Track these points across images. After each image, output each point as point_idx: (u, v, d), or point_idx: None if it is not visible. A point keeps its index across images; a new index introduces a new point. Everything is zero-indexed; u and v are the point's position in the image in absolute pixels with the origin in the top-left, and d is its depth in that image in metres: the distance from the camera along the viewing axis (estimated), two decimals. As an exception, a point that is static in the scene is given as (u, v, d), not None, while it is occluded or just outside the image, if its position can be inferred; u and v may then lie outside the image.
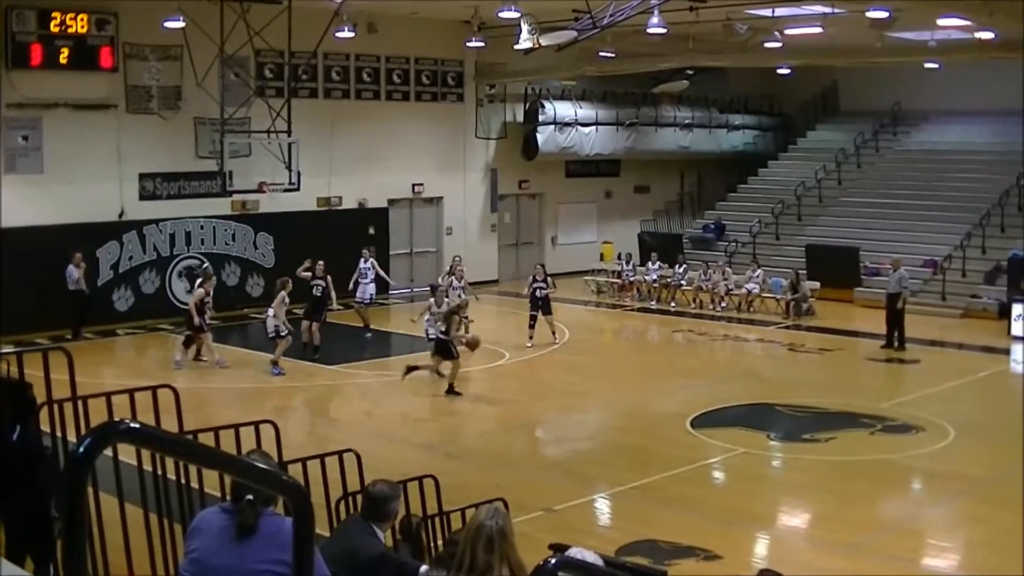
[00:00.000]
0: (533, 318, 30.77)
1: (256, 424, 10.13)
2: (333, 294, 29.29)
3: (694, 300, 37.98)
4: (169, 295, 33.82)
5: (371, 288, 32.52)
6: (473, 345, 26.28)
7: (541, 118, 42.75)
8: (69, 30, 30.59)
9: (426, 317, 26.90)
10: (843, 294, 37.58)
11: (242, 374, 27.36)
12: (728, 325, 35.35)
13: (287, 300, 27.29)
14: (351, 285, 32.02)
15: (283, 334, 27.09)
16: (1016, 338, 32.28)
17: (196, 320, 27.30)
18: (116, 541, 9.00)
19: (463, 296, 30.32)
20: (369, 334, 32.12)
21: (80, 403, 9.10)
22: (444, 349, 25.37)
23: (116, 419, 3.57)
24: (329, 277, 29.12)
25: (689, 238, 44.93)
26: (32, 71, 30.15)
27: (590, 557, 7.05)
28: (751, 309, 36.97)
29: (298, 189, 33.65)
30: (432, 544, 11.54)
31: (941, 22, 30.92)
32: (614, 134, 45.20)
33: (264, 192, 33.39)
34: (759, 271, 37.70)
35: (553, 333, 30.84)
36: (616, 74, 41.54)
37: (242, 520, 5.99)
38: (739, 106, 50.74)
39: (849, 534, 16.42)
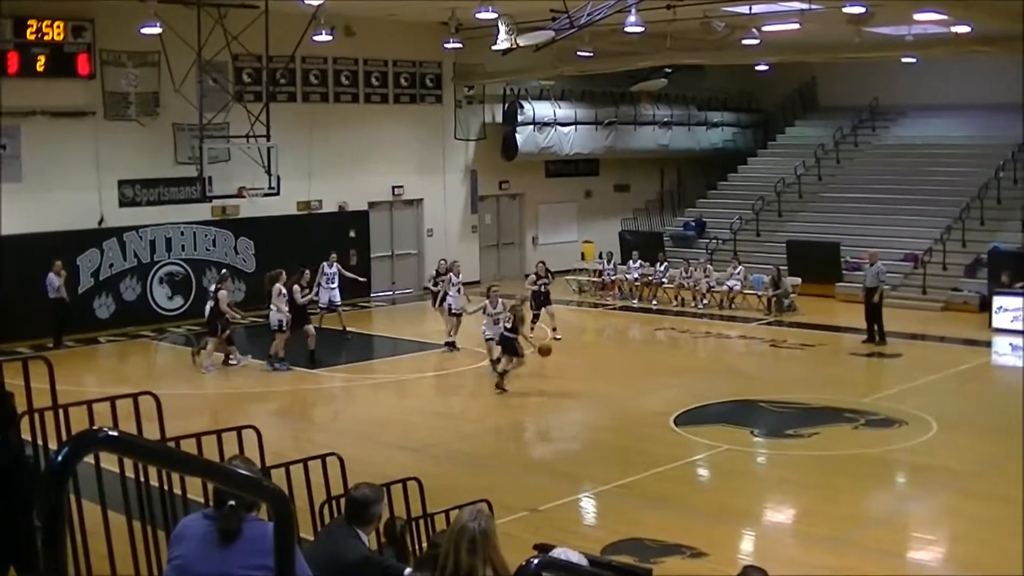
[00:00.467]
0: (536, 316, 30.99)
1: (238, 429, 10.11)
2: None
3: (676, 298, 38.05)
4: (150, 302, 33.76)
5: (336, 294, 32.32)
6: (545, 352, 26.06)
7: (520, 118, 42.74)
8: (45, 37, 30.52)
9: (484, 321, 26.93)
10: (824, 289, 37.66)
11: (227, 379, 27.32)
12: (710, 322, 35.38)
13: (284, 291, 27.42)
14: (315, 290, 31.48)
15: (284, 328, 27.28)
16: (997, 330, 32.40)
17: (227, 317, 27.68)
18: (100, 549, 8.98)
19: (462, 294, 30.55)
20: (349, 337, 32.02)
21: (61, 412, 9.08)
22: (510, 346, 25.50)
23: (95, 427, 3.56)
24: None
25: (670, 236, 44.92)
26: (9, 79, 30.00)
27: (574, 557, 7.05)
28: (733, 306, 37.03)
29: (278, 193, 33.61)
30: (416, 546, 11.53)
31: (918, 17, 30.97)
32: (593, 133, 45.22)
33: (244, 197, 33.31)
34: (740, 268, 37.78)
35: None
36: (594, 73, 41.54)
37: (224, 526, 5.98)
38: (718, 103, 50.82)
39: (833, 529, 16.45)
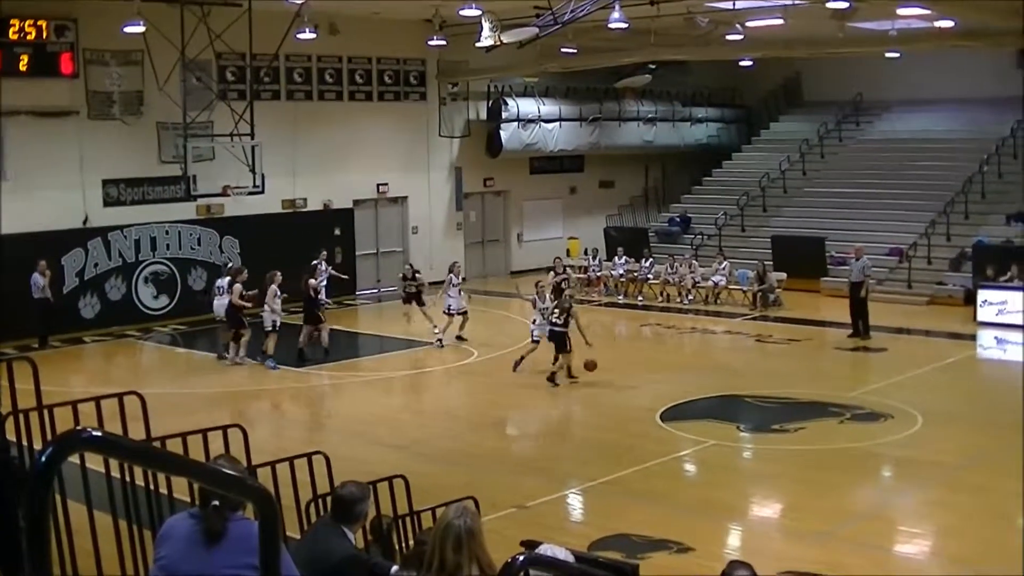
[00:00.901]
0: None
1: (224, 429, 10.10)
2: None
3: (661, 294, 38.07)
4: (135, 301, 33.71)
5: (323, 291, 32.31)
6: (591, 367, 25.94)
7: (504, 115, 42.76)
8: (28, 37, 30.41)
9: (534, 317, 26.98)
10: (809, 284, 37.71)
11: (212, 378, 27.28)
12: (696, 318, 35.41)
13: (279, 292, 27.52)
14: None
15: (276, 328, 27.47)
16: (982, 324, 32.47)
17: (244, 311, 27.94)
18: (86, 549, 8.97)
19: (461, 294, 30.77)
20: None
21: (46, 412, 9.06)
22: (560, 341, 25.57)
23: (79, 428, 3.55)
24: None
25: (655, 232, 44.96)
26: (-8, 79, 29.96)
27: (561, 553, 7.07)
28: (718, 301, 37.09)
29: (262, 192, 33.53)
30: (403, 544, 11.53)
31: (901, 11, 31.02)
32: (578, 130, 45.25)
33: (229, 196, 33.25)
34: (725, 263, 37.80)
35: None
36: (578, 70, 41.52)
37: (209, 526, 5.98)
38: (702, 99, 50.89)
39: (820, 523, 16.48)
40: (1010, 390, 25.49)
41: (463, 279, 31.87)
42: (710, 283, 37.40)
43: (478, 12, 28.54)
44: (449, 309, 30.40)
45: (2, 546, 8.70)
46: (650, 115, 48.06)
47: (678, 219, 45.30)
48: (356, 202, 39.79)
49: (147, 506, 9.29)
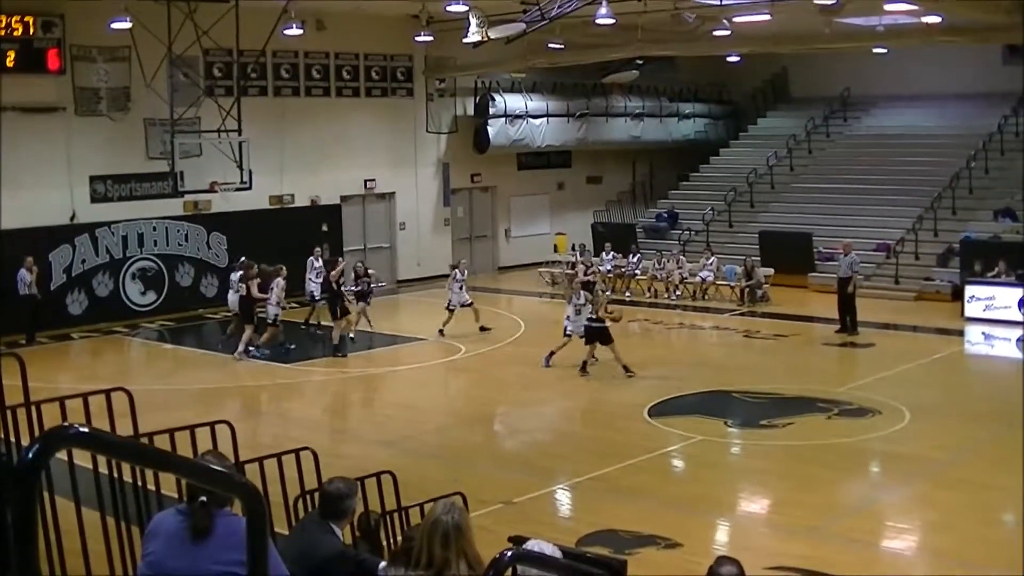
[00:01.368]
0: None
1: (212, 425, 10.08)
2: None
3: (649, 289, 38.08)
4: (123, 297, 33.66)
5: (317, 287, 32.33)
6: (618, 319, 26.46)
7: (492, 111, 42.75)
8: (15, 33, 30.31)
9: (567, 313, 27.01)
10: (797, 280, 37.73)
11: (200, 375, 27.28)
12: (683, 313, 35.46)
13: (284, 285, 27.99)
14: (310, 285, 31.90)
15: (277, 322, 28.02)
16: (969, 319, 32.51)
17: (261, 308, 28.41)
18: (74, 546, 8.95)
19: (463, 291, 31.06)
20: (319, 331, 31.95)
21: (33, 409, 9.04)
22: (602, 335, 25.60)
23: (66, 424, 3.54)
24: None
25: (642, 227, 44.96)
26: (-22, 75, 29.90)
27: (548, 549, 7.07)
28: (706, 297, 37.13)
29: (250, 188, 33.48)
30: (391, 540, 11.52)
31: (888, 7, 31.02)
32: (565, 125, 45.24)
33: (216, 192, 33.27)
34: (713, 259, 37.85)
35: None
36: (565, 65, 41.53)
37: (195, 522, 5.97)
38: (689, 95, 50.84)
39: (808, 518, 16.50)
40: (997, 385, 25.66)
41: (465, 275, 31.89)
42: (697, 279, 37.43)
43: (465, 8, 28.56)
44: (449, 304, 30.55)
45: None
46: (637, 111, 48.05)
47: (665, 215, 45.30)
48: (343, 198, 39.75)
49: (135, 502, 9.27)
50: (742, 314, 34.61)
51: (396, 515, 12.22)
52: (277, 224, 36.37)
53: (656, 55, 40.70)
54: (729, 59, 45.12)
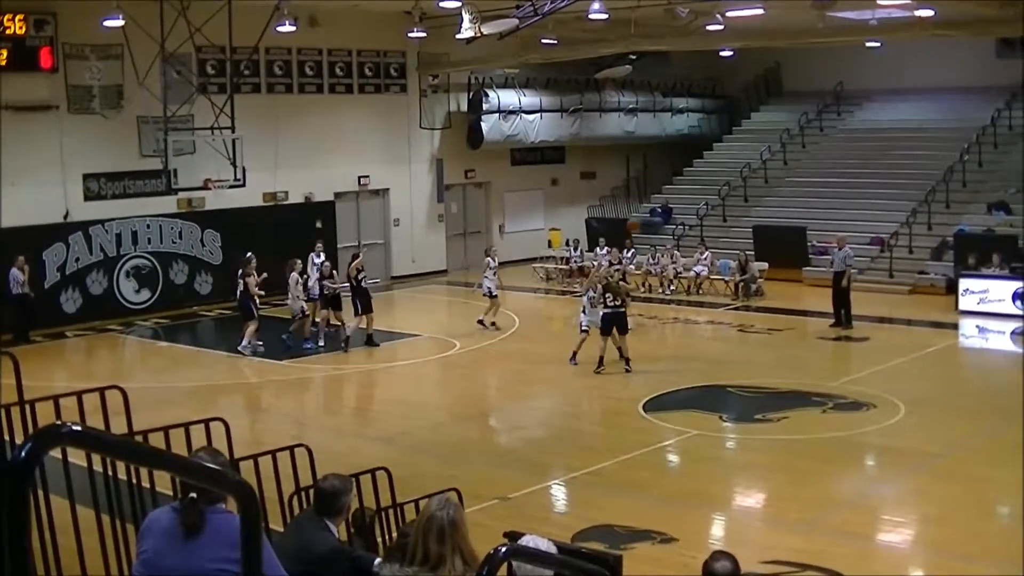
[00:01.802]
0: None
1: (206, 422, 10.08)
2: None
3: (643, 284, 38.03)
4: (117, 295, 33.63)
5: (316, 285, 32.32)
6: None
7: (485, 107, 42.70)
8: (7, 31, 30.26)
9: (582, 306, 27.09)
10: (791, 274, 37.75)
11: (194, 372, 27.27)
12: (678, 308, 35.43)
13: (300, 280, 28.46)
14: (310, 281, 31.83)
15: (305, 314, 28.64)
16: (964, 313, 32.54)
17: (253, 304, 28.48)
18: (69, 544, 8.95)
19: (496, 276, 31.46)
20: (315, 328, 31.92)
21: (28, 407, 9.03)
22: (620, 321, 25.66)
23: (59, 422, 3.54)
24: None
25: (637, 222, 44.97)
26: (-29, 74, 29.85)
27: (543, 544, 7.06)
28: (700, 291, 37.14)
29: (243, 185, 33.48)
30: (386, 536, 11.52)
31: (881, 1, 31.04)
32: (558, 121, 45.21)
33: (210, 189, 33.21)
34: (707, 253, 37.85)
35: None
36: (559, 61, 41.48)
37: (186, 519, 5.96)
38: (683, 89, 50.82)
39: (803, 512, 16.53)
40: (992, 379, 25.69)
41: (497, 262, 32.03)
42: (692, 273, 37.45)
43: (458, 3, 28.55)
44: (490, 292, 30.91)
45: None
46: (631, 106, 48.03)
47: (659, 209, 45.29)
48: (337, 195, 39.71)
49: (130, 500, 9.27)
50: (736, 309, 34.63)
51: (391, 511, 12.23)
52: (271, 221, 36.31)
53: (649, 50, 40.62)
54: (722, 54, 45.09)
